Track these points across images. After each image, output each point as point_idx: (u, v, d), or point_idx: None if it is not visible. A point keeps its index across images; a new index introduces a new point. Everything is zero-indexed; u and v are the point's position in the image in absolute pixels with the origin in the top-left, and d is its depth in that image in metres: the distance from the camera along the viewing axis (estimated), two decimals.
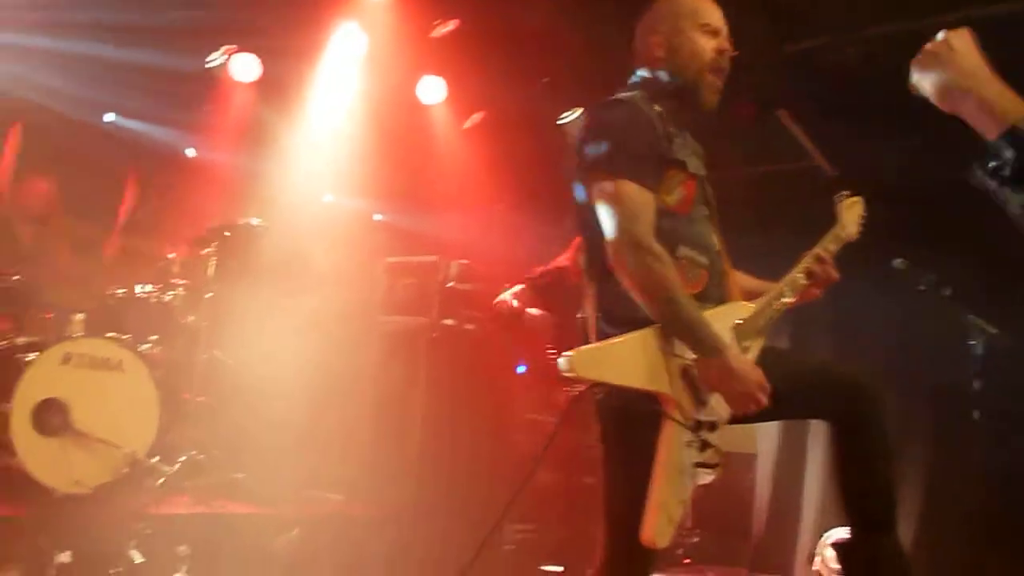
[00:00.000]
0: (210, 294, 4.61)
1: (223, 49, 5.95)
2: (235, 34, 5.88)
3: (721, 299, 2.44)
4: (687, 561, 5.67)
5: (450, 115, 6.59)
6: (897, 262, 4.18)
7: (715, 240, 2.47)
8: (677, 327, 2.21)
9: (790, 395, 2.46)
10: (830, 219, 2.88)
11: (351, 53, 6.03)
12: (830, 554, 4.60)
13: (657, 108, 2.39)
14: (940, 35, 1.79)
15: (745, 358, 2.30)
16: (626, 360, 2.19)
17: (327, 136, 6.29)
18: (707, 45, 2.46)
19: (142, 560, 3.56)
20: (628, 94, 2.44)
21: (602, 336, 2.30)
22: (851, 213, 2.87)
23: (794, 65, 5.02)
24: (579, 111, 6.40)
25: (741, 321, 2.41)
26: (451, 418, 5.17)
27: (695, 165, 2.42)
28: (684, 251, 2.34)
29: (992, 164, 1.61)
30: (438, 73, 6.34)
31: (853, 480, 2.42)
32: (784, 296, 2.48)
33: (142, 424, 3.97)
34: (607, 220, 2.25)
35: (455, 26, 5.83)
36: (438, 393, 5.16)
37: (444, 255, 5.65)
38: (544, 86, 6.37)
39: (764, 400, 2.24)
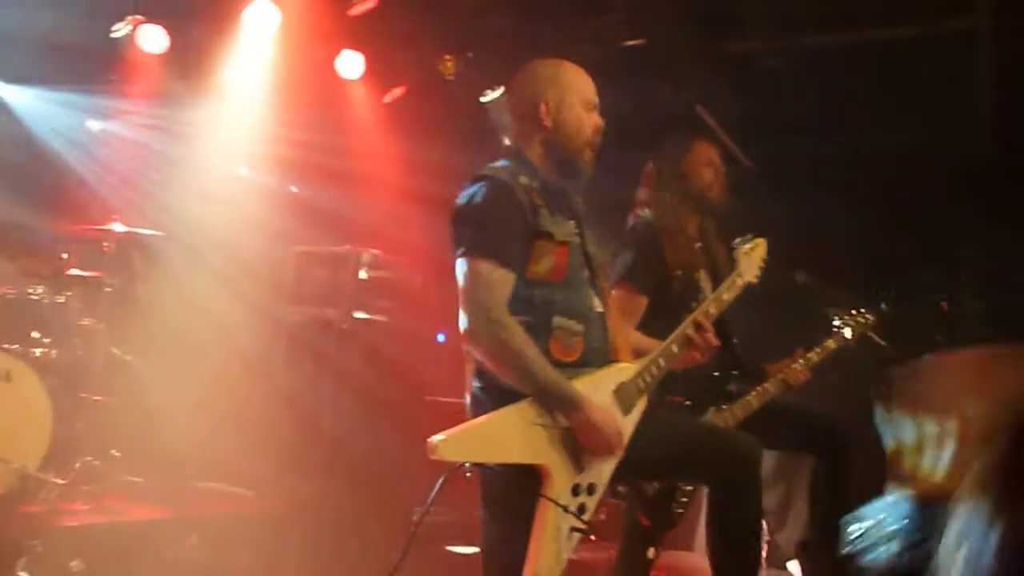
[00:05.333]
0: (108, 289, 4.46)
1: (128, 19, 5.67)
2: (140, 4, 5.61)
3: (603, 363, 2.46)
4: (593, 538, 5.78)
5: (370, 90, 6.43)
6: (800, 276, 4.24)
7: (595, 303, 2.48)
8: (535, 389, 2.26)
9: (666, 458, 2.53)
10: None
11: (264, 27, 5.82)
12: None
13: (523, 180, 2.40)
14: None
15: (602, 410, 2.34)
16: (496, 437, 2.24)
17: (241, 110, 6.09)
18: (589, 122, 2.51)
19: None
20: (498, 165, 2.47)
21: (480, 406, 2.33)
22: (752, 258, 2.91)
23: (718, 66, 5.05)
24: (501, 89, 6.31)
25: (621, 383, 2.44)
26: (362, 409, 5.17)
27: (565, 232, 2.44)
28: (558, 320, 2.37)
29: None
30: (357, 48, 6.15)
31: (721, 539, 2.51)
32: (660, 362, 2.51)
33: (33, 436, 3.86)
34: (462, 297, 2.30)
35: (374, 3, 5.67)
36: (349, 384, 5.14)
37: (357, 240, 5.57)
38: (467, 62, 6.27)
39: (619, 449, 2.34)
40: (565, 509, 2.27)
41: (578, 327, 2.40)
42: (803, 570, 3.41)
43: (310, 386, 5.11)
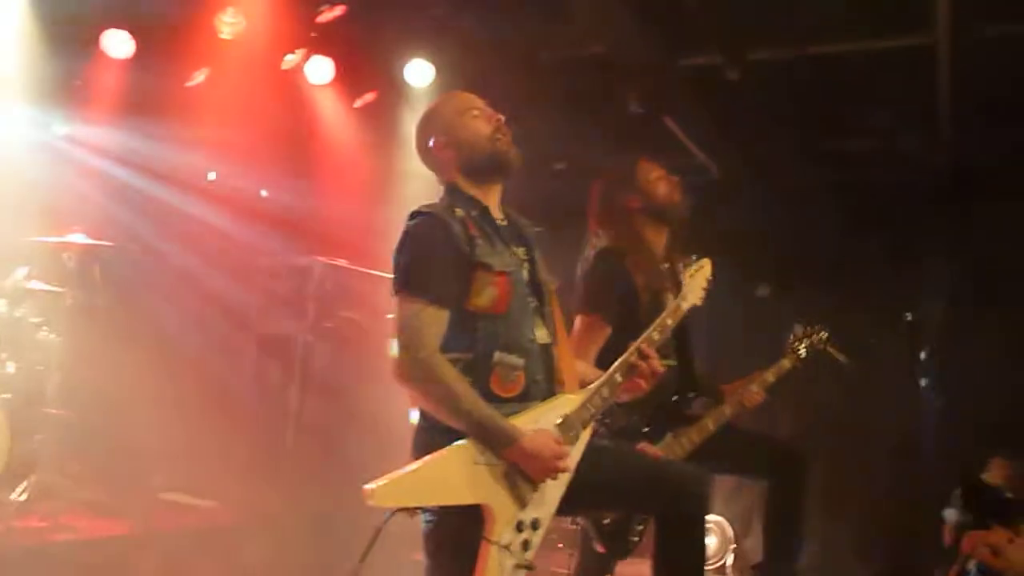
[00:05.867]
0: (69, 302, 4.42)
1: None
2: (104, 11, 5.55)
3: (547, 394, 2.44)
4: (560, 546, 5.77)
5: (340, 96, 6.38)
6: (761, 290, 4.24)
7: (539, 334, 2.46)
8: (468, 427, 2.24)
9: (613, 489, 2.52)
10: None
11: (232, 32, 5.76)
12: None
13: (460, 212, 2.39)
14: None
15: (539, 435, 2.30)
16: (436, 480, 2.21)
17: (209, 115, 6.02)
18: (482, 122, 2.50)
19: None
20: (434, 203, 2.45)
21: (421, 443, 2.33)
22: (696, 280, 2.88)
23: (682, 78, 5.07)
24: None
25: (565, 415, 2.42)
26: (328, 419, 5.16)
27: (504, 262, 2.41)
28: (499, 356, 2.35)
29: None
30: (326, 54, 6.11)
31: (665, 571, 2.51)
32: (604, 392, 2.49)
33: None
34: (395, 334, 2.28)
35: (342, 12, 5.62)
36: (315, 394, 5.13)
37: (326, 248, 5.54)
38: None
39: (564, 467, 2.31)
40: (508, 548, 2.25)
41: (519, 361, 2.37)
42: None
43: (276, 396, 5.10)
